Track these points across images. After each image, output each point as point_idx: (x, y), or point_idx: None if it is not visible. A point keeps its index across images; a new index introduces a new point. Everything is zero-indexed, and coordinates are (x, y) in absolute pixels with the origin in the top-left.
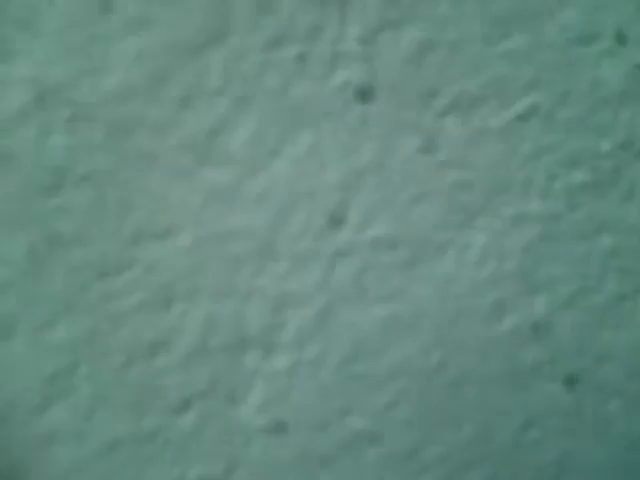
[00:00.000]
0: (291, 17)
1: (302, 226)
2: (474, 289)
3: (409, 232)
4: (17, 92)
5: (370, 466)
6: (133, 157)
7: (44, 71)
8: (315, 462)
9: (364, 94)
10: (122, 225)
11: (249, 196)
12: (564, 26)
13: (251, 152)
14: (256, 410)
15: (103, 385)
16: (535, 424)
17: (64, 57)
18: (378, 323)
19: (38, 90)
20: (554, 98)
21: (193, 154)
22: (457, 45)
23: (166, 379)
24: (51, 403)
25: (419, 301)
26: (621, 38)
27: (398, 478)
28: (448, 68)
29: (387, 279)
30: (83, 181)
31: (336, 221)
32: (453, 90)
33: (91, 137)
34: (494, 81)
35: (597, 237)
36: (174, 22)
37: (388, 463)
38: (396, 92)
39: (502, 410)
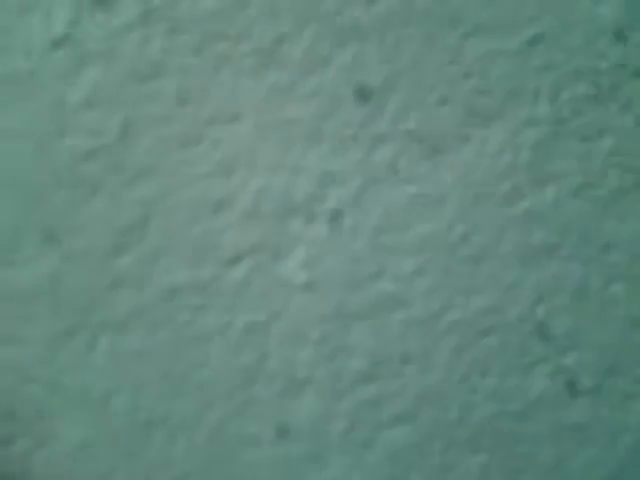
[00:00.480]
0: None
1: (346, 116)
2: (492, 177)
3: (435, 128)
4: (128, 7)
5: (396, 326)
6: (213, 58)
7: None
8: (348, 318)
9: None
10: (199, 109)
11: (302, 92)
12: None
13: (306, 58)
14: (297, 269)
15: (168, 238)
16: (545, 300)
17: None
18: (407, 200)
19: (145, 7)
20: (557, 28)
21: (260, 58)
22: None
23: (222, 236)
24: (121, 251)
25: (444, 184)
26: None
27: (420, 340)
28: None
29: (416, 164)
30: (172, 73)
31: (374, 114)
32: (473, 19)
33: (183, 43)
34: (505, 12)
35: (598, 139)
36: None
37: (411, 326)
38: (428, 18)
39: (514, 285)
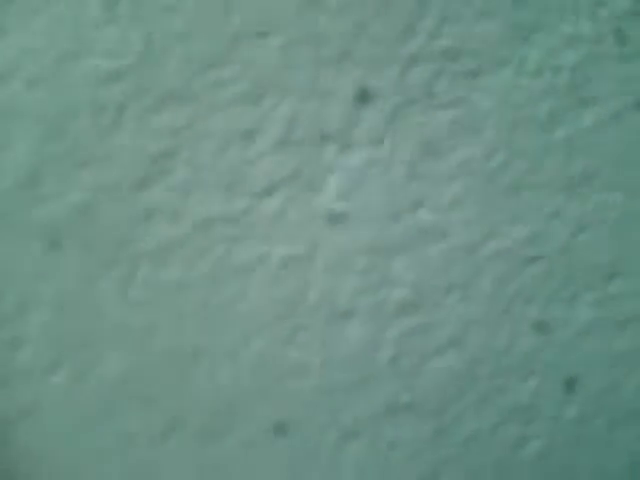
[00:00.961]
0: None
1: (380, 33)
2: (530, 99)
3: (473, 45)
4: None
5: (437, 257)
6: None
7: None
8: (388, 250)
9: None
10: (226, 24)
11: (334, 4)
12: None
13: None
14: (332, 199)
15: (199, 168)
16: (586, 230)
17: None
18: (445, 126)
19: None
20: None
21: None
22: None
23: (255, 166)
24: (152, 182)
25: (482, 108)
26: None
27: (460, 270)
28: None
29: (453, 87)
30: None
31: (410, 30)
32: None
33: None
34: None
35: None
36: None
37: (453, 256)
38: None
39: (556, 214)
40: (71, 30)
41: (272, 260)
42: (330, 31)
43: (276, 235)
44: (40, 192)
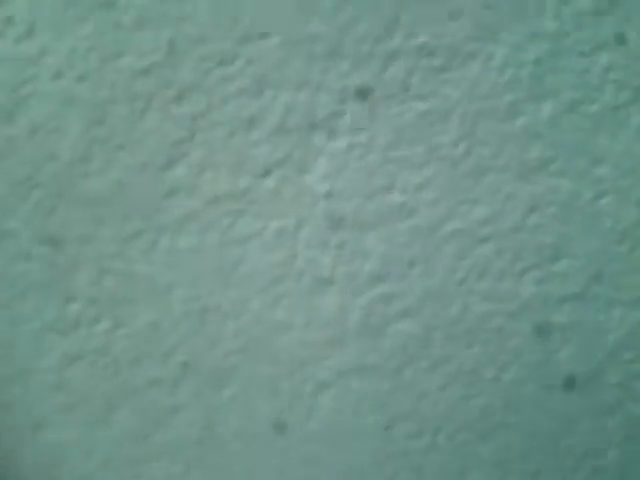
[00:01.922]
0: None
1: (364, 32)
2: (494, 91)
3: (445, 41)
4: None
5: (404, 233)
6: None
7: None
8: (363, 225)
9: None
10: (234, 28)
11: (326, 6)
12: None
13: None
14: (319, 180)
15: (211, 151)
16: (537, 210)
17: None
18: (417, 116)
19: None
20: None
21: None
22: None
23: (255, 150)
24: (173, 163)
25: (450, 100)
26: None
27: (424, 246)
28: None
29: (426, 81)
30: None
31: (389, 29)
32: None
33: None
34: None
35: (597, 54)
36: None
37: (417, 233)
38: None
39: (511, 196)
40: (111, 34)
41: (267, 232)
42: (322, 31)
43: (272, 210)
44: (87, 169)
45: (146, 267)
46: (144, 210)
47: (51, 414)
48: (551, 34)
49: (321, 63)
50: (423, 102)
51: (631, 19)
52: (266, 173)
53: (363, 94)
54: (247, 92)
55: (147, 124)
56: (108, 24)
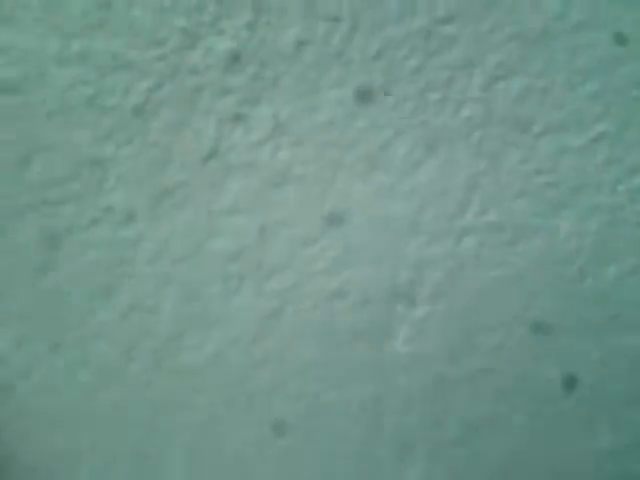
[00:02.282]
0: None
1: (438, 210)
2: (562, 260)
3: (512, 219)
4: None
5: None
6: (329, 165)
7: None
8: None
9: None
10: (318, 210)
11: (402, 191)
12: None
13: (405, 161)
14: (402, 344)
15: (300, 324)
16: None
17: None
18: (492, 284)
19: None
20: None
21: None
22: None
23: (339, 319)
24: (263, 336)
25: (519, 269)
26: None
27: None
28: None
29: (497, 252)
30: (295, 180)
31: (462, 208)
32: (544, 120)
33: (304, 153)
34: (574, 113)
35: None
36: None
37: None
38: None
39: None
40: (205, 220)
41: (352, 405)
42: (400, 211)
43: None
44: (182, 344)
45: None
46: (237, 378)
47: None
48: (609, 207)
49: (400, 239)
50: (495, 272)
51: None
52: (353, 339)
53: (439, 264)
54: (330, 269)
55: (239, 300)
56: (202, 210)
